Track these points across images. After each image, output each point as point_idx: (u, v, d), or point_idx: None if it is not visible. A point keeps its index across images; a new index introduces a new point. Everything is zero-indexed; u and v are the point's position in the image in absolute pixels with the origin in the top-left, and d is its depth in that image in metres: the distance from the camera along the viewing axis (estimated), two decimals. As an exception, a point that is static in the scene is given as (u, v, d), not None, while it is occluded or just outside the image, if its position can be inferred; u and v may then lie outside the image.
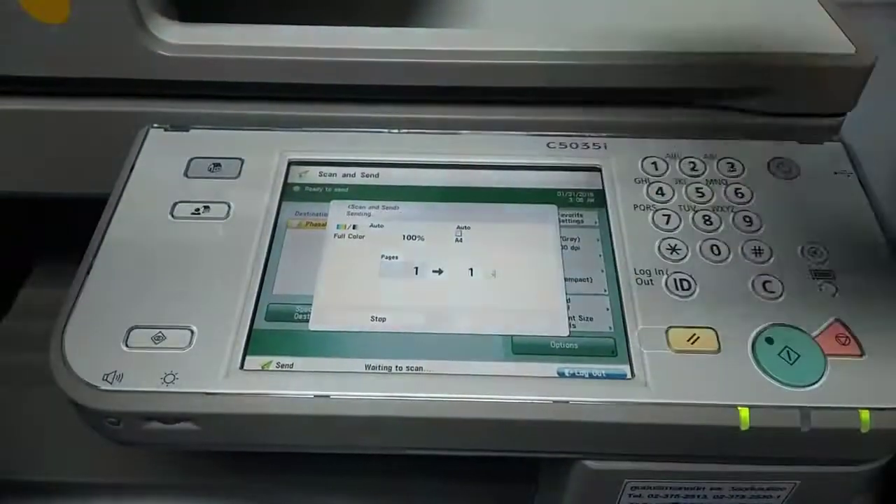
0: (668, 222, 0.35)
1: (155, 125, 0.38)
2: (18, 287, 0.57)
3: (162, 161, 0.37)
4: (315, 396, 0.29)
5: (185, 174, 0.36)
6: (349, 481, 0.46)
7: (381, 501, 0.46)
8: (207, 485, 0.46)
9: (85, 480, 0.47)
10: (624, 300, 0.32)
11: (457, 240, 0.34)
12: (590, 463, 0.32)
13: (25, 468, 0.47)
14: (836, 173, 0.37)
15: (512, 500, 0.45)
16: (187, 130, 0.38)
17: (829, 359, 0.30)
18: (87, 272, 0.32)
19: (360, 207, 0.35)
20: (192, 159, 0.37)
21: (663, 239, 0.34)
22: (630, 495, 0.33)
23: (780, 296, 0.32)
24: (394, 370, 0.30)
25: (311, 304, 0.32)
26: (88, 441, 0.45)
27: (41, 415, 0.48)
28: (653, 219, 0.35)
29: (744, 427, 0.29)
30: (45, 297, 0.55)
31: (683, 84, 0.37)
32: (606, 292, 0.32)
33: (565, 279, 0.33)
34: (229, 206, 0.35)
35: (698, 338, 0.31)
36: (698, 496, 0.33)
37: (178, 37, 0.36)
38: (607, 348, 0.31)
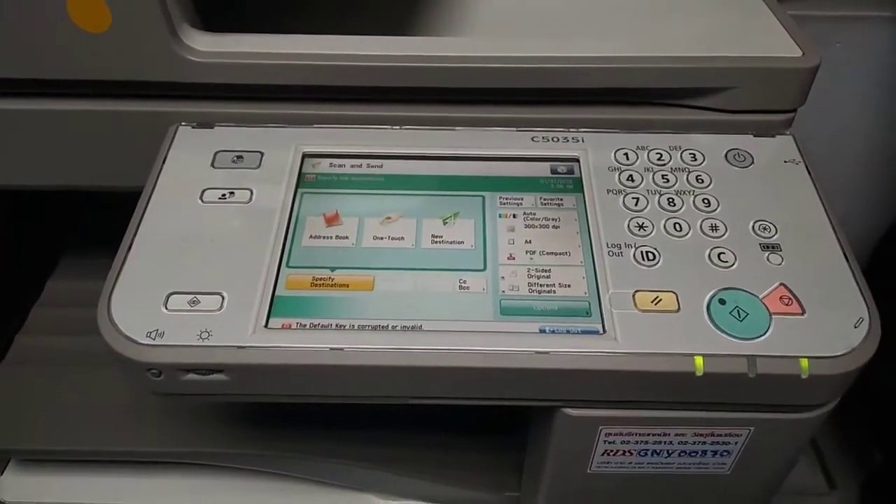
0: (636, 204, 0.39)
1: (184, 123, 0.43)
2: (45, 278, 0.62)
3: (191, 154, 0.42)
4: (331, 349, 0.34)
5: (212, 165, 0.41)
6: (354, 449, 0.50)
7: (384, 458, 0.50)
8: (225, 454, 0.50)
9: (104, 449, 0.51)
10: (597, 269, 0.37)
11: (451, 220, 0.39)
12: (569, 411, 0.36)
13: (54, 440, 0.51)
14: (785, 162, 0.42)
15: (508, 449, 0.50)
16: (212, 128, 0.43)
17: (773, 316, 0.35)
18: (129, 247, 0.37)
19: (367, 194, 0.40)
20: (217, 152, 0.42)
21: (632, 218, 0.39)
22: (605, 441, 0.37)
23: (733, 265, 0.37)
24: (399, 328, 0.34)
25: (325, 275, 0.36)
26: (103, 416, 0.50)
27: (61, 392, 0.52)
28: (623, 201, 0.39)
29: (699, 373, 0.33)
30: (71, 288, 0.60)
31: (651, 85, 0.42)
32: (582, 263, 0.37)
33: (548, 253, 0.38)
34: (251, 192, 0.40)
35: (661, 299, 0.35)
36: (665, 442, 0.38)
37: (206, 44, 0.41)
38: (583, 310, 0.35)
